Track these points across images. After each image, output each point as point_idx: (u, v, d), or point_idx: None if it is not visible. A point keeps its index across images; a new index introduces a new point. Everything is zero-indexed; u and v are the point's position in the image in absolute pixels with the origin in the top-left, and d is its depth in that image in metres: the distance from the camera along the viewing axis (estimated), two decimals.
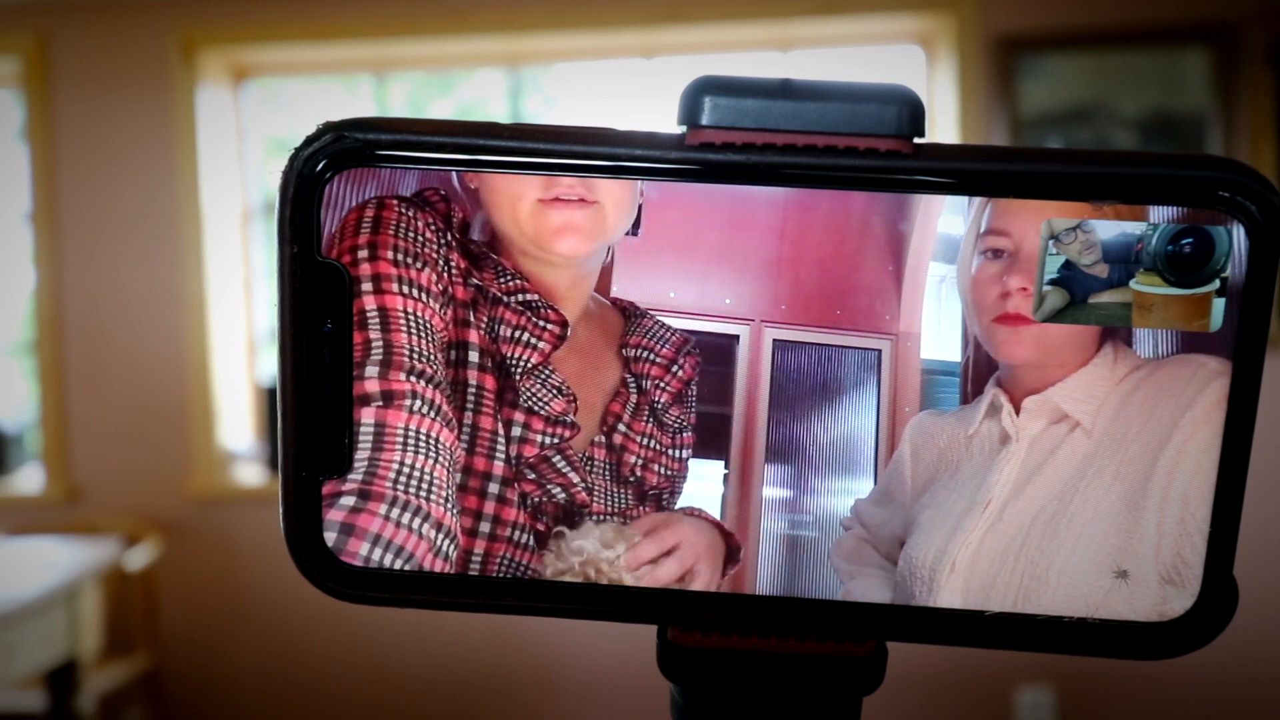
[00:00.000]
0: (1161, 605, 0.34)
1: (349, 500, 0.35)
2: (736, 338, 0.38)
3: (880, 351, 0.37)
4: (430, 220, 0.37)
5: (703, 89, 0.33)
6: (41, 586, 2.39)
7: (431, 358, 0.37)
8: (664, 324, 0.38)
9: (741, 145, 0.32)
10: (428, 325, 0.37)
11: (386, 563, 0.35)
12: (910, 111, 0.32)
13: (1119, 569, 0.34)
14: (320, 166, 0.33)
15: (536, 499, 0.38)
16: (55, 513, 3.20)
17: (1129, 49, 2.95)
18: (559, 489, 0.38)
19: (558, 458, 0.39)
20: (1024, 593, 0.35)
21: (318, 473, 0.35)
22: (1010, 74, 2.95)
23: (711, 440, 0.37)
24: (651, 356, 0.39)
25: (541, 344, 0.38)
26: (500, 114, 3.33)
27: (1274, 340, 1.73)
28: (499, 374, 0.38)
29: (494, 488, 0.38)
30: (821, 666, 0.35)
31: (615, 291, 0.39)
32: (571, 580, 0.36)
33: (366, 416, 0.35)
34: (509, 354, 0.38)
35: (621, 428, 0.40)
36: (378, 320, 0.36)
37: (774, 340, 0.38)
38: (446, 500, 0.36)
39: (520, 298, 0.38)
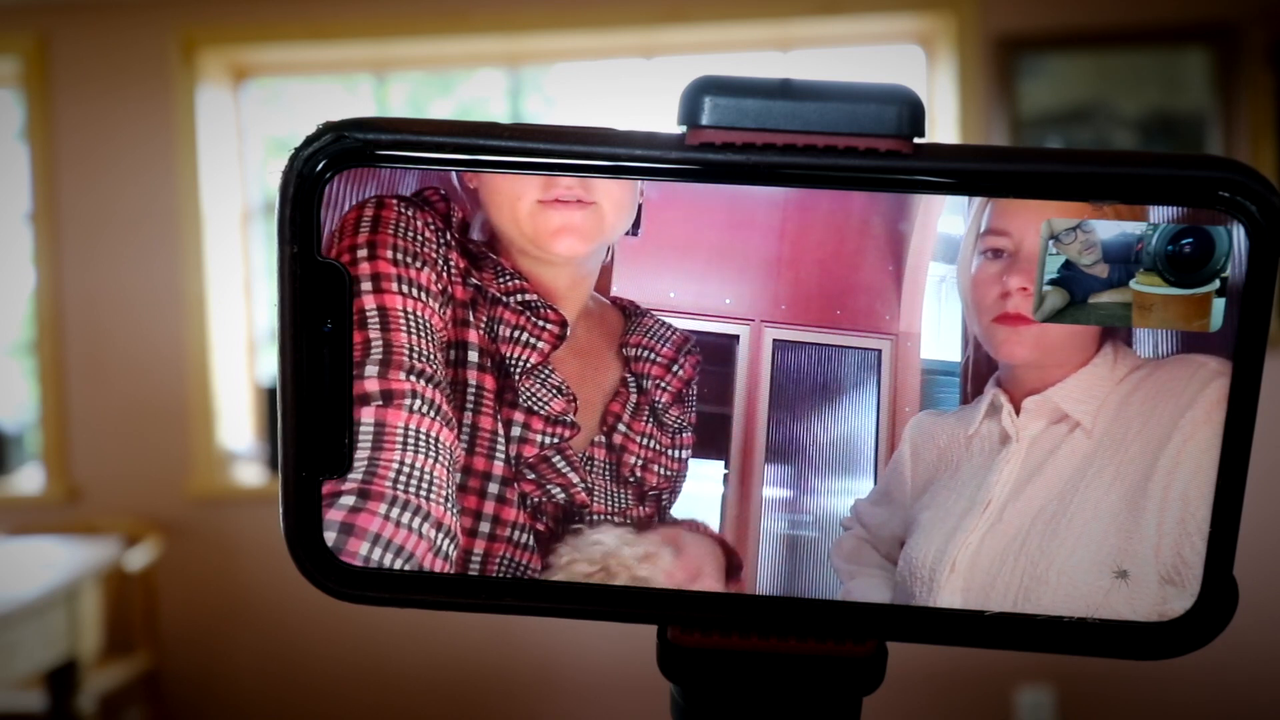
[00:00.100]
0: (1161, 605, 0.34)
1: (349, 500, 0.35)
2: (736, 338, 0.38)
3: (880, 351, 0.37)
4: (430, 220, 0.37)
5: (703, 89, 0.33)
6: (41, 586, 2.39)
7: (431, 357, 0.37)
8: (665, 323, 0.38)
9: (741, 145, 0.32)
10: (427, 325, 0.37)
11: (386, 562, 0.35)
12: (910, 111, 0.32)
13: (1119, 569, 0.34)
14: (320, 166, 0.33)
15: (536, 499, 0.38)
16: (55, 513, 3.20)
17: (1129, 49, 2.95)
18: (559, 489, 0.38)
19: (557, 458, 0.39)
20: (1024, 593, 0.35)
21: (318, 472, 0.35)
22: (1010, 74, 2.95)
23: (711, 440, 0.37)
24: (652, 356, 0.39)
25: (541, 344, 0.38)
26: (500, 114, 3.33)
27: (1274, 340, 1.73)
28: (498, 374, 0.38)
29: (494, 488, 0.38)
30: (821, 666, 0.35)
31: (615, 291, 0.39)
32: (579, 573, 0.36)
33: (366, 416, 0.35)
34: (508, 354, 0.38)
35: (621, 427, 0.40)
36: (377, 320, 0.36)
37: (774, 340, 0.38)
38: (446, 500, 0.36)
39: (519, 297, 0.38)
